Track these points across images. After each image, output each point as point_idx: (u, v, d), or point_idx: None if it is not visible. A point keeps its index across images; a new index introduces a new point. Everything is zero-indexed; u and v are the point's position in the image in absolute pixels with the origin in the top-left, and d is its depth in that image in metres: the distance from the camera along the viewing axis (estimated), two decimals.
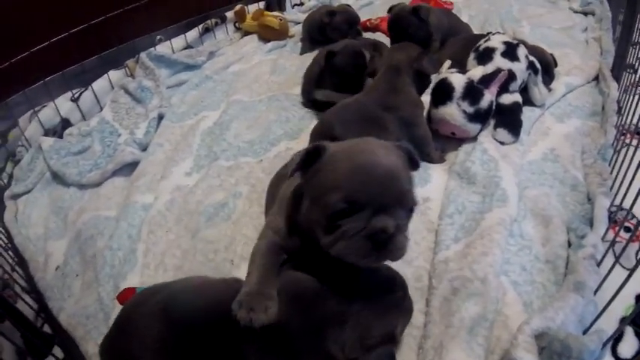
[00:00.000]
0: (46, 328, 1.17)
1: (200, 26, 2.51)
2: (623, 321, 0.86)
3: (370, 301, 0.81)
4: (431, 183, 1.34)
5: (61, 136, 1.86)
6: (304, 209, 0.86)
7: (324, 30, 2.24)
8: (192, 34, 2.47)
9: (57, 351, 1.08)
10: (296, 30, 2.60)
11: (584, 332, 0.89)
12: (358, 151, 0.83)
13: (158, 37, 2.33)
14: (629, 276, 0.77)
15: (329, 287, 0.80)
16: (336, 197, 0.78)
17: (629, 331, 0.90)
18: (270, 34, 2.49)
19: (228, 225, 1.28)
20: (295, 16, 2.76)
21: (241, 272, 1.11)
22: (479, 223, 1.13)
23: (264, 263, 0.86)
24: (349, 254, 0.79)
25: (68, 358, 1.07)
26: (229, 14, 2.64)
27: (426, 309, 0.98)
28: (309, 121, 1.69)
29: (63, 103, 1.93)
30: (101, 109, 2.00)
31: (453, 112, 1.40)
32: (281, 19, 2.49)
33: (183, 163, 1.56)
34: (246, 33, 2.63)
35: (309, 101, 1.81)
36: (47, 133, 1.87)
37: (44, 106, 1.89)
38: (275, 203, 1.01)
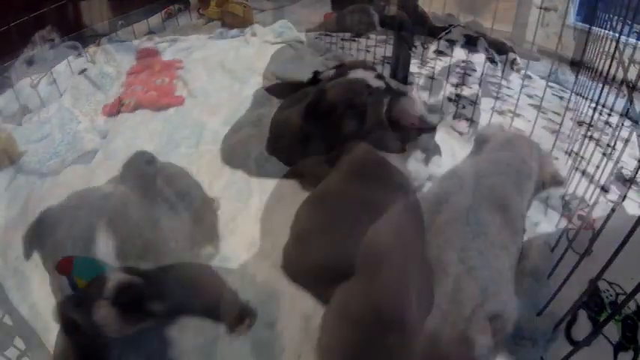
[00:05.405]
0: (7, 320, 1.16)
1: (163, 12, 2.48)
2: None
3: None
4: None
5: (19, 123, 1.82)
6: None
7: None
8: (155, 19, 2.44)
9: (18, 342, 1.07)
10: (260, 17, 2.59)
11: (538, 315, 0.92)
12: None
13: (120, 22, 2.29)
14: (580, 260, 0.80)
15: None
16: None
17: (582, 315, 0.93)
18: (233, 21, 2.48)
19: (189, 216, 1.26)
20: (259, 3, 2.74)
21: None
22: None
23: None
24: None
25: (29, 350, 1.06)
26: (193, 0, 2.62)
27: None
28: (270, 109, 1.68)
29: (22, 89, 1.89)
30: (61, 95, 1.95)
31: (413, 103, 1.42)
32: (245, 7, 2.48)
33: None
34: (210, 20, 2.61)
35: None
36: (6, 119, 1.82)
37: (3, 92, 1.85)
38: None
